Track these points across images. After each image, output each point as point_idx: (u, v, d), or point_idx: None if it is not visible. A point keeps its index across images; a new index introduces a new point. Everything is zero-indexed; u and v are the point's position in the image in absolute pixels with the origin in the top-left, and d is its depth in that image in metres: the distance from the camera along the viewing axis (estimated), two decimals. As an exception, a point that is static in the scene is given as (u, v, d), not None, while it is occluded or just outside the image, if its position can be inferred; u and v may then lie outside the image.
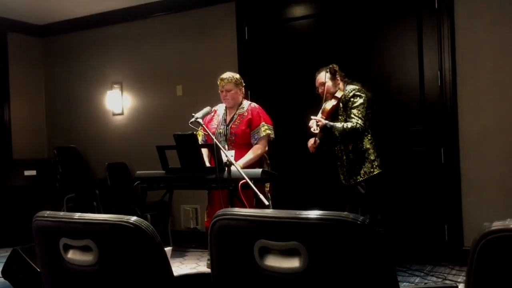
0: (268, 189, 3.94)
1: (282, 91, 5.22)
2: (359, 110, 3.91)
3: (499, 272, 0.97)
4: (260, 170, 3.53)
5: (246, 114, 4.02)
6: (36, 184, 6.17)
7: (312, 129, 3.95)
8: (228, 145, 3.97)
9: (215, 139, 3.44)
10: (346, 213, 1.12)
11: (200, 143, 3.96)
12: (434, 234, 4.55)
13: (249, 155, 3.90)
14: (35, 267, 3.53)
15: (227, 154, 3.42)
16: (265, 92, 5.25)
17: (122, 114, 6.28)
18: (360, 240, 1.10)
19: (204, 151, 3.92)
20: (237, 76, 4.10)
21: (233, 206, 3.32)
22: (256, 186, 3.17)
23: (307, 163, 4.99)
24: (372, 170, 3.94)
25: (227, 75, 4.06)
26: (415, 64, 4.60)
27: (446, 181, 4.48)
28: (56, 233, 1.42)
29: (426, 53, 4.56)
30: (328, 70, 4.05)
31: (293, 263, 1.16)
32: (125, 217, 1.33)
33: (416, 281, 3.99)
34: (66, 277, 1.46)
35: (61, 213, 1.47)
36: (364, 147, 3.95)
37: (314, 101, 4.25)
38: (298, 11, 5.20)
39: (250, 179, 3.19)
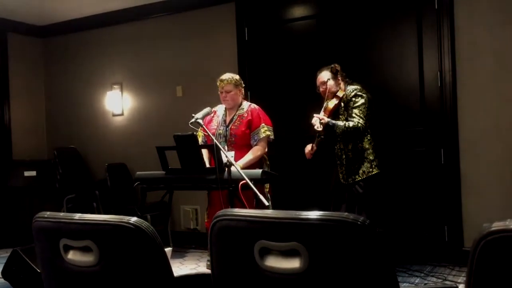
0: (267, 189, 3.94)
1: (282, 92, 5.22)
2: (361, 110, 3.93)
3: (499, 273, 0.97)
4: (260, 170, 3.53)
5: (246, 115, 4.02)
6: (36, 185, 6.16)
7: (315, 127, 3.96)
8: (227, 146, 3.97)
9: (215, 140, 3.44)
10: (346, 213, 1.12)
11: (200, 144, 3.96)
12: (434, 234, 4.55)
13: (249, 156, 3.90)
14: (35, 268, 3.53)
15: (227, 155, 3.43)
16: (265, 93, 5.25)
17: (122, 114, 6.28)
18: (360, 241, 1.10)
19: (204, 152, 3.92)
20: (237, 77, 4.10)
21: (233, 206, 3.32)
22: (255, 187, 3.17)
23: (307, 163, 4.97)
24: (371, 170, 3.96)
25: (227, 76, 4.06)
26: (415, 65, 4.60)
27: (446, 182, 4.48)
28: (56, 234, 1.42)
29: (426, 53, 4.56)
30: (330, 69, 4.07)
31: (294, 263, 1.16)
32: (125, 218, 1.33)
33: (416, 281, 3.99)
34: (66, 278, 1.45)
35: (61, 214, 1.47)
36: (364, 147, 3.97)
37: (314, 101, 4.25)
38: (298, 12, 5.21)
39: (250, 179, 3.19)
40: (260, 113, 4.06)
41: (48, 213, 1.48)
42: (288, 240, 1.15)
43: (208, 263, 4.40)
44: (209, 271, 1.42)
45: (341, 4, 4.94)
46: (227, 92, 4.01)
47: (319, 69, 4.20)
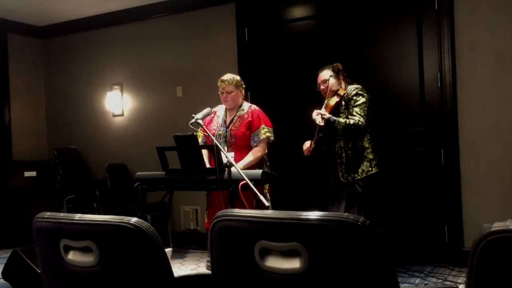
0: (267, 190, 3.94)
1: (281, 93, 5.22)
2: (361, 109, 3.94)
3: (500, 273, 0.97)
4: (260, 171, 3.53)
5: (246, 116, 4.02)
6: (36, 185, 6.16)
7: (317, 121, 3.97)
8: (227, 147, 3.97)
9: (215, 140, 3.44)
10: (346, 214, 1.12)
11: (200, 144, 3.96)
12: (434, 235, 4.54)
13: (249, 157, 3.90)
14: (35, 268, 3.53)
15: (227, 155, 3.43)
16: (265, 94, 5.25)
17: (122, 115, 6.28)
18: (360, 241, 1.10)
19: (204, 152, 3.92)
20: (238, 78, 4.10)
21: (233, 207, 3.32)
22: (255, 187, 3.17)
23: (306, 164, 4.98)
24: (370, 169, 3.98)
25: (228, 76, 4.06)
26: (415, 65, 4.60)
27: (446, 182, 4.48)
28: (56, 234, 1.42)
29: (426, 54, 4.56)
30: (332, 68, 4.09)
31: (294, 264, 1.16)
32: (125, 218, 1.33)
33: (416, 282, 3.99)
34: (67, 278, 1.45)
35: (61, 214, 1.47)
36: (364, 146, 3.99)
37: (314, 102, 4.25)
38: (298, 12, 5.21)
39: (250, 180, 3.19)
40: (260, 114, 4.06)
41: (48, 213, 1.48)
42: (288, 241, 1.15)
43: (208, 263, 4.40)
44: (209, 271, 1.42)
45: (341, 5, 4.94)
46: (228, 92, 4.01)
47: (321, 67, 4.20)
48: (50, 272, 1.53)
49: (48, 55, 6.85)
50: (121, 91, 6.26)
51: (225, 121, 4.07)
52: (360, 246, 1.10)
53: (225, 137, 4.00)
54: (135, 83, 6.18)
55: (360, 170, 3.97)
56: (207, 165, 3.85)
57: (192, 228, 5.76)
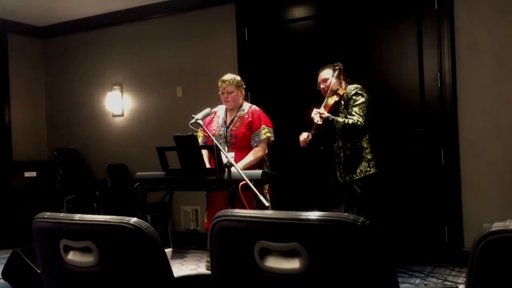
0: (267, 190, 3.94)
1: (281, 93, 5.22)
2: (361, 108, 3.93)
3: (500, 273, 0.97)
4: (260, 171, 3.53)
5: (246, 116, 4.02)
6: (36, 186, 6.16)
7: (315, 120, 3.96)
8: (228, 147, 3.97)
9: (215, 141, 3.44)
10: (346, 214, 1.12)
11: (200, 145, 3.96)
12: (434, 235, 4.54)
13: (250, 157, 3.90)
14: (35, 268, 3.53)
15: (227, 155, 3.43)
16: (265, 94, 5.25)
17: (122, 115, 6.29)
18: (360, 241, 1.10)
19: (204, 153, 3.92)
20: (238, 78, 4.11)
21: (233, 207, 3.32)
22: (255, 187, 3.17)
23: (307, 164, 4.99)
24: (368, 169, 3.96)
25: (229, 76, 4.06)
26: (415, 65, 4.60)
27: (446, 182, 4.48)
28: (56, 235, 1.42)
29: (426, 54, 4.57)
30: (333, 67, 4.09)
31: (294, 264, 1.16)
32: (125, 218, 1.33)
33: (417, 282, 3.99)
34: (66, 278, 1.45)
35: (61, 215, 1.47)
36: (362, 146, 3.97)
37: (314, 102, 4.25)
38: (298, 12, 5.21)
39: (250, 180, 3.19)
40: (260, 115, 4.06)
41: (48, 213, 1.48)
42: (288, 241, 1.15)
43: (208, 263, 4.40)
44: (209, 271, 1.42)
45: (341, 5, 4.94)
46: (229, 93, 4.01)
47: (321, 67, 4.20)
48: (50, 272, 1.53)
49: (48, 55, 6.85)
50: (121, 91, 6.26)
51: (225, 121, 4.07)
52: (360, 246, 1.10)
53: (226, 137, 4.00)
54: (135, 83, 6.18)
55: (358, 171, 3.96)
56: (207, 165, 3.85)
57: (192, 228, 5.76)
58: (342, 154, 4.01)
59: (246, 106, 4.11)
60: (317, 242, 1.13)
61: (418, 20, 4.59)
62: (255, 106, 4.14)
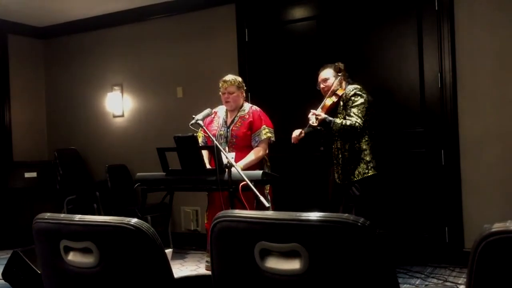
0: (268, 191, 3.94)
1: (282, 93, 5.22)
2: (359, 109, 3.88)
3: (500, 274, 0.97)
4: (261, 172, 3.53)
5: (247, 116, 4.03)
6: (36, 186, 6.16)
7: (311, 122, 3.93)
8: (228, 147, 3.97)
9: (215, 141, 3.44)
10: (346, 214, 1.12)
11: (200, 145, 3.96)
12: (434, 235, 4.54)
13: (250, 157, 3.90)
14: (36, 269, 3.53)
15: (228, 156, 3.43)
16: (265, 94, 5.26)
17: (122, 116, 6.29)
18: (360, 242, 1.10)
19: (205, 153, 3.92)
20: (240, 79, 4.11)
21: (233, 207, 3.32)
22: (256, 188, 3.17)
23: (307, 165, 4.99)
24: (366, 171, 3.91)
25: (230, 77, 4.06)
26: (415, 66, 4.60)
27: (446, 183, 4.48)
28: (56, 235, 1.42)
29: (426, 55, 4.57)
30: (333, 67, 4.05)
31: (294, 265, 1.16)
32: (125, 219, 1.33)
33: (417, 283, 3.98)
34: (67, 279, 1.45)
35: (62, 215, 1.47)
36: (361, 148, 3.92)
37: (314, 102, 4.24)
38: (298, 13, 5.21)
39: (251, 180, 3.19)
40: (261, 115, 4.06)
41: (48, 214, 1.48)
42: (289, 241, 1.15)
43: (208, 264, 4.40)
44: (209, 272, 1.42)
45: (342, 6, 4.94)
46: (230, 93, 4.02)
47: (323, 66, 4.17)
48: (50, 273, 1.53)
49: (48, 56, 6.86)
50: (122, 91, 6.26)
51: (225, 122, 4.08)
52: (360, 247, 1.10)
53: (226, 137, 4.01)
54: (135, 84, 6.19)
55: (356, 172, 3.91)
56: (208, 166, 3.85)
57: (192, 229, 5.76)
58: (340, 156, 3.97)
59: (247, 106, 4.11)
60: (318, 242, 1.13)
61: (419, 21, 4.59)
62: (256, 107, 4.14)
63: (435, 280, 4.01)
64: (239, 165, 3.66)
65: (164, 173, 3.72)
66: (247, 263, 1.23)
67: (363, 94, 3.93)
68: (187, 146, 3.61)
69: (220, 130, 4.04)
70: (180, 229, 5.83)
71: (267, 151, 4.04)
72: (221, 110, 4.18)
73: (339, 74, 4.04)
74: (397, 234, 4.61)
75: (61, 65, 6.74)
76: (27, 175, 6.15)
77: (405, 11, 4.67)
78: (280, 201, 4.50)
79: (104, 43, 6.37)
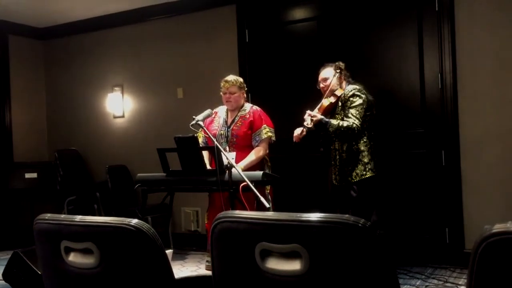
0: (268, 191, 3.94)
1: (282, 94, 5.22)
2: (357, 110, 3.83)
3: (501, 275, 0.97)
4: (261, 172, 3.53)
5: (248, 116, 4.03)
6: (37, 187, 6.17)
7: (305, 123, 3.90)
8: (229, 147, 3.98)
9: (215, 142, 3.44)
10: (347, 215, 1.12)
11: (201, 145, 3.96)
12: (435, 236, 4.54)
13: (251, 157, 3.90)
14: (36, 269, 3.53)
15: (228, 157, 3.43)
16: (266, 95, 5.26)
17: (123, 116, 6.29)
18: (361, 243, 1.10)
19: (205, 153, 3.92)
20: (241, 79, 4.13)
21: (233, 208, 3.32)
22: (256, 189, 3.17)
23: (307, 165, 4.99)
24: (364, 173, 3.84)
25: (232, 77, 4.08)
26: (416, 67, 4.60)
27: (447, 184, 4.48)
28: (57, 236, 1.42)
29: (426, 55, 4.57)
30: (334, 67, 4.02)
31: (294, 265, 1.16)
32: (126, 220, 1.33)
33: (417, 283, 3.98)
34: (67, 280, 1.45)
35: (62, 216, 1.47)
36: (359, 149, 3.87)
37: (315, 103, 4.24)
38: (299, 14, 5.21)
39: (251, 181, 3.19)
40: (262, 115, 4.07)
41: (49, 215, 1.48)
42: (289, 242, 1.15)
43: (208, 263, 4.40)
44: (209, 272, 1.42)
45: (342, 6, 4.94)
46: (231, 93, 4.03)
47: (323, 65, 4.15)
48: (50, 273, 1.53)
49: (49, 56, 6.86)
50: (122, 92, 6.26)
51: (226, 121, 4.08)
52: (361, 247, 1.10)
53: (227, 137, 4.01)
54: (136, 85, 6.19)
55: (354, 174, 3.85)
56: (208, 167, 3.85)
57: (192, 229, 5.76)
58: (338, 157, 3.92)
59: (248, 106, 4.12)
60: (318, 243, 1.13)
61: (419, 21, 4.59)
62: (256, 107, 4.15)
63: (435, 281, 4.01)
64: (239, 166, 3.66)
65: (165, 174, 3.73)
66: (247, 264, 1.23)
67: (361, 95, 3.88)
68: (188, 146, 3.61)
69: (221, 130, 4.04)
70: (181, 229, 5.83)
71: (267, 151, 4.04)
72: (221, 110, 4.18)
73: (339, 73, 4.01)
74: (397, 235, 4.61)
75: (61, 66, 6.75)
76: (27, 175, 6.15)
77: (405, 11, 4.67)
78: (280, 201, 4.50)
79: (104, 44, 6.37)
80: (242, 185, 3.23)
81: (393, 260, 1.22)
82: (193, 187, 3.84)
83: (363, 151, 3.87)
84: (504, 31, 4.25)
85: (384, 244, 1.12)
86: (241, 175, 3.22)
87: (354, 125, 3.79)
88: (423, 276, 4.13)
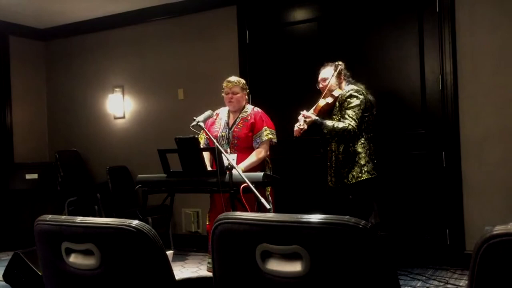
0: (269, 192, 3.93)
1: (283, 95, 5.23)
2: (354, 112, 3.79)
3: (501, 277, 0.97)
4: (262, 173, 3.53)
5: (249, 118, 4.03)
6: (37, 188, 6.17)
7: (297, 124, 3.88)
8: (230, 149, 3.98)
9: (216, 143, 3.44)
10: (347, 217, 1.12)
11: (202, 147, 3.96)
12: (435, 238, 4.54)
13: (252, 158, 3.90)
14: (37, 270, 3.53)
15: (229, 158, 3.43)
16: (266, 96, 5.26)
17: (123, 117, 6.29)
18: (361, 244, 1.10)
19: (206, 155, 3.92)
20: (243, 80, 4.14)
21: (234, 209, 3.32)
22: (257, 190, 3.17)
23: (308, 166, 4.99)
24: (360, 175, 3.80)
25: (235, 78, 4.09)
26: (416, 68, 4.60)
27: (447, 185, 4.48)
28: (58, 237, 1.42)
29: (427, 56, 4.57)
30: (334, 67, 4.01)
31: (295, 267, 1.16)
32: (127, 221, 1.33)
33: (418, 285, 3.98)
34: (68, 281, 1.45)
35: (63, 217, 1.47)
36: (356, 151, 3.82)
37: (316, 104, 4.24)
38: (299, 15, 5.22)
39: (252, 182, 3.19)
40: (263, 116, 4.06)
41: (49, 216, 1.48)
42: (290, 244, 1.15)
43: (209, 265, 4.40)
44: (210, 274, 1.42)
45: (343, 7, 4.94)
46: (234, 93, 4.03)
47: (323, 65, 4.14)
48: (51, 274, 1.53)
49: (49, 57, 6.87)
50: (123, 93, 6.27)
51: (227, 123, 4.08)
52: (362, 249, 1.10)
53: (228, 138, 4.01)
54: (136, 86, 6.19)
55: (350, 176, 3.81)
56: (209, 168, 3.85)
57: (193, 230, 5.76)
58: (334, 158, 3.89)
59: (249, 107, 4.12)
60: (319, 245, 1.13)
61: (419, 22, 4.59)
62: (258, 108, 4.14)
63: (436, 282, 4.01)
64: (240, 167, 3.66)
65: (165, 175, 3.72)
66: (248, 265, 1.23)
67: (359, 96, 3.84)
68: (188, 147, 3.61)
69: (222, 132, 4.04)
70: (181, 230, 5.83)
71: (268, 152, 4.04)
72: (223, 111, 4.18)
73: (339, 73, 3.98)
74: (398, 236, 4.61)
75: (62, 67, 6.75)
76: (28, 176, 6.16)
77: (406, 12, 4.67)
78: (281, 203, 4.50)
79: (105, 45, 6.38)
80: (242, 186, 3.23)
81: (393, 262, 1.22)
82: (193, 188, 3.84)
83: (360, 152, 3.83)
84: (505, 32, 4.25)
85: (385, 246, 1.12)
86: (241, 176, 3.22)
87: (350, 127, 3.75)
88: (424, 278, 4.13)
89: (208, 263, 4.47)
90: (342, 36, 4.93)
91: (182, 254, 5.38)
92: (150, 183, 3.80)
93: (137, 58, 6.15)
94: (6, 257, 4.69)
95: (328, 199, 4.05)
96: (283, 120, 4.93)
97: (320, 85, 4.06)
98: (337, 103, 3.92)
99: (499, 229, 0.96)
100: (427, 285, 3.95)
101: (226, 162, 3.41)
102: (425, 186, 4.57)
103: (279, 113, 5.00)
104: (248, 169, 3.77)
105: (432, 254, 4.52)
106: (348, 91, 3.87)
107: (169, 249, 5.17)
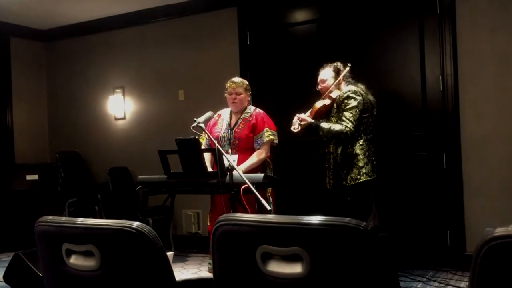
0: (270, 193, 3.94)
1: (284, 96, 5.23)
2: (351, 113, 3.75)
3: (502, 278, 0.96)
4: (262, 175, 3.53)
5: (250, 119, 4.04)
6: (38, 189, 6.17)
7: (292, 127, 3.87)
8: (231, 149, 3.98)
9: (216, 144, 3.45)
10: (348, 218, 1.12)
11: (203, 148, 3.97)
12: (436, 239, 4.54)
13: (252, 159, 3.90)
14: (37, 271, 3.53)
15: (229, 159, 3.43)
16: (267, 97, 5.25)
17: (124, 118, 6.29)
18: (362, 246, 1.10)
19: (207, 156, 3.93)
20: (247, 82, 4.15)
21: (235, 211, 3.32)
22: (257, 191, 3.17)
23: (309, 167, 4.98)
24: (358, 177, 3.75)
25: (238, 79, 4.11)
26: (417, 69, 4.60)
27: (448, 186, 4.47)
28: (58, 238, 1.42)
29: (428, 58, 4.57)
30: (333, 68, 3.99)
31: (296, 268, 1.16)
32: (127, 222, 1.33)
33: (419, 286, 3.98)
34: (68, 282, 1.45)
35: (64, 218, 1.47)
36: (354, 152, 3.78)
37: (313, 106, 4.24)
38: (300, 16, 5.22)
39: (252, 183, 3.19)
40: (264, 117, 4.07)
41: (50, 217, 1.48)
42: (290, 245, 1.15)
43: (209, 266, 4.40)
44: (210, 275, 1.42)
45: (343, 8, 4.94)
46: (238, 94, 4.03)
47: (322, 65, 4.13)
48: (52, 276, 1.53)
49: (50, 58, 6.87)
50: (123, 94, 6.27)
51: (229, 124, 4.09)
52: (362, 250, 1.10)
53: (229, 139, 4.01)
54: (137, 87, 6.19)
55: (348, 178, 3.77)
56: (210, 169, 3.85)
57: (193, 231, 5.75)
58: (332, 160, 3.86)
59: (251, 108, 4.13)
60: (319, 246, 1.13)
61: (420, 24, 4.59)
62: (259, 109, 4.15)
63: (436, 284, 4.00)
64: (241, 168, 3.66)
65: (166, 176, 3.72)
66: (249, 267, 1.23)
67: (356, 97, 3.79)
68: (189, 148, 3.61)
69: (224, 132, 4.05)
70: (182, 232, 5.83)
71: (269, 154, 4.04)
72: (225, 112, 4.19)
73: (338, 74, 3.97)
74: (398, 238, 4.61)
75: (63, 68, 6.76)
76: (28, 177, 6.16)
77: (406, 14, 4.67)
78: (282, 204, 4.49)
79: (106, 46, 6.38)
80: (243, 187, 3.23)
81: (394, 263, 1.22)
82: (194, 189, 3.84)
83: (358, 154, 3.79)
84: (505, 33, 4.25)
85: (385, 247, 1.12)
86: (242, 177, 3.22)
87: (347, 129, 3.72)
88: (424, 279, 4.13)
89: (209, 264, 4.47)
90: (342, 37, 4.93)
91: (183, 255, 5.38)
92: (151, 184, 3.80)
93: (138, 59, 6.15)
94: (7, 258, 4.69)
95: (327, 201, 4.03)
96: (283, 121, 4.93)
97: (319, 87, 4.05)
98: (335, 104, 3.89)
99: (500, 231, 0.96)
100: (428, 287, 3.95)
101: (226, 163, 3.41)
102: (426, 187, 4.56)
103: (280, 114, 4.99)
104: (249, 170, 3.77)
105: (433, 255, 4.52)
106: (346, 92, 3.83)
107: (170, 250, 5.16)
